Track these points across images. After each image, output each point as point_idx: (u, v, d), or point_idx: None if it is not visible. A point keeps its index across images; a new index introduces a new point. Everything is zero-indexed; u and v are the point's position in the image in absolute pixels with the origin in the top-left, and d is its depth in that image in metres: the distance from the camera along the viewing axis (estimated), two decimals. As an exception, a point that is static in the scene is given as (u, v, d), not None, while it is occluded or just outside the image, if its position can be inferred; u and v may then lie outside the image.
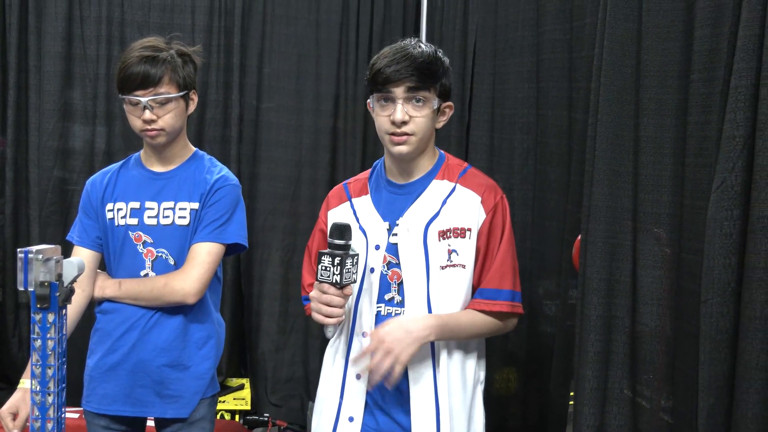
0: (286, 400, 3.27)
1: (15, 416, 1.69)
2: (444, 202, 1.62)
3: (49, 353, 1.25)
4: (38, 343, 1.25)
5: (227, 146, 3.23)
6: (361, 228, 1.65)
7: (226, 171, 1.95)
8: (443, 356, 1.61)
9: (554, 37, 2.08)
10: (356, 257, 1.52)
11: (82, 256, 1.88)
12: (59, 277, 1.25)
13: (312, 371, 3.26)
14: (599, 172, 1.56)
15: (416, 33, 3.36)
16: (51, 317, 1.24)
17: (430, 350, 1.60)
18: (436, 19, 3.00)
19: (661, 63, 1.47)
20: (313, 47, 3.29)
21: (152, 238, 1.87)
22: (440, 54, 1.64)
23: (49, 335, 1.25)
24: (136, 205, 1.89)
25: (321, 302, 1.53)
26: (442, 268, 1.60)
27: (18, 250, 1.22)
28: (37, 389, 1.25)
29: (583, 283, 1.59)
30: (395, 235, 1.62)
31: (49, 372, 1.25)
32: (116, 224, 1.88)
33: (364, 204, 1.69)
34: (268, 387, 3.30)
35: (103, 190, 1.92)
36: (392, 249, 1.62)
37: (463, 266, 1.60)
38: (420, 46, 1.62)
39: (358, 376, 1.63)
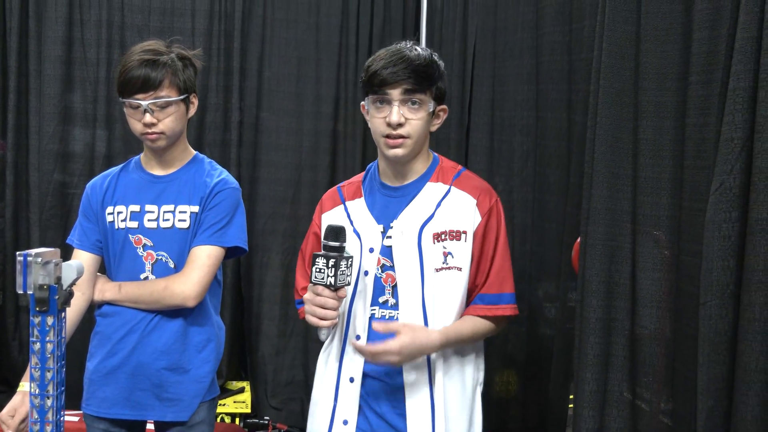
0: (286, 404, 3.26)
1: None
2: (438, 205, 1.62)
3: (48, 356, 1.25)
4: (37, 346, 1.25)
5: (227, 149, 3.24)
6: (355, 231, 1.65)
7: (226, 174, 1.95)
8: (439, 359, 1.61)
9: (553, 39, 2.08)
10: (350, 259, 1.52)
11: (82, 259, 1.88)
12: (58, 280, 1.25)
13: (312, 374, 3.22)
14: (598, 175, 1.56)
15: (416, 35, 3.37)
16: (50, 320, 1.24)
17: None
18: (435, 21, 3.01)
19: (660, 65, 1.47)
20: (313, 50, 3.29)
21: (152, 241, 1.87)
22: (436, 57, 1.65)
23: (48, 338, 1.25)
24: (136, 208, 1.89)
25: (315, 304, 1.53)
26: (437, 270, 1.60)
27: (17, 253, 1.22)
28: (36, 392, 1.25)
29: (583, 286, 1.59)
30: (389, 237, 1.63)
31: (48, 375, 1.25)
32: (116, 227, 1.88)
33: (358, 207, 1.69)
34: (268, 390, 3.29)
35: (103, 193, 1.92)
36: (386, 251, 1.62)
37: (459, 269, 1.60)
38: (416, 49, 1.62)
39: (352, 379, 1.63)
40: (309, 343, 3.31)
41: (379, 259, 1.63)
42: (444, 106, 1.68)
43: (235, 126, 3.23)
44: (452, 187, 1.64)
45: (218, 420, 3.07)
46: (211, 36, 3.21)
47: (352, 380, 1.62)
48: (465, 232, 1.60)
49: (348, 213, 1.69)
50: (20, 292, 1.22)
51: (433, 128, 1.67)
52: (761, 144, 1.16)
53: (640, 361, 1.53)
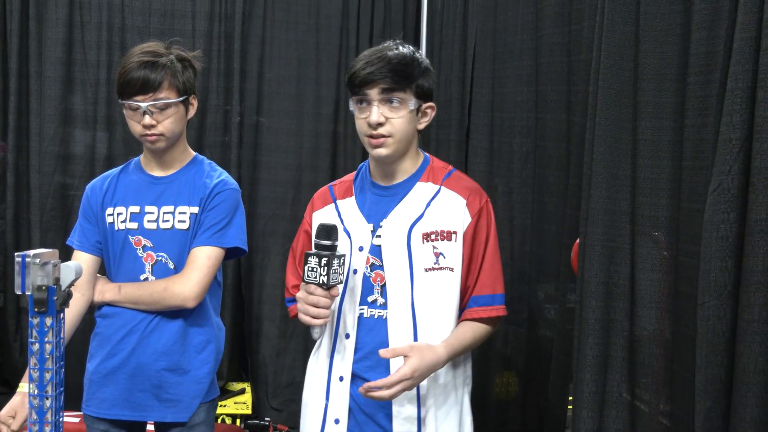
0: (287, 405, 3.26)
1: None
2: (428, 204, 1.62)
3: (46, 357, 1.25)
4: (36, 346, 1.25)
5: (227, 151, 3.24)
6: (345, 230, 1.66)
7: (225, 175, 1.95)
8: None
9: (553, 41, 2.08)
10: (342, 258, 1.52)
11: (82, 260, 1.88)
12: (57, 281, 1.25)
13: (313, 375, 3.26)
14: (597, 176, 1.56)
15: (416, 37, 3.37)
16: (49, 321, 1.24)
17: None
18: (436, 23, 3.01)
19: (659, 66, 1.47)
20: (313, 52, 3.30)
21: (152, 243, 1.87)
22: (418, 55, 1.64)
23: (46, 339, 1.25)
24: (136, 209, 1.89)
25: (308, 303, 1.53)
26: (427, 270, 1.60)
27: (15, 254, 1.22)
28: (35, 393, 1.25)
29: (582, 287, 1.59)
30: (378, 237, 1.63)
31: (47, 376, 1.25)
32: (116, 228, 1.88)
33: (349, 206, 1.69)
34: (269, 391, 3.29)
35: (103, 194, 1.92)
36: (376, 251, 1.63)
37: (451, 269, 1.60)
38: (398, 48, 1.62)
39: (341, 378, 1.63)
40: (309, 344, 3.29)
41: (368, 258, 1.63)
42: (431, 104, 1.66)
43: (235, 127, 3.24)
44: (442, 187, 1.64)
45: (219, 421, 3.07)
46: (211, 38, 3.22)
47: (341, 379, 1.63)
48: (455, 233, 1.60)
49: (339, 212, 1.69)
50: (18, 292, 1.22)
51: (420, 126, 1.66)
52: (760, 144, 1.16)
53: (639, 362, 1.52)
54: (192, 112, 1.91)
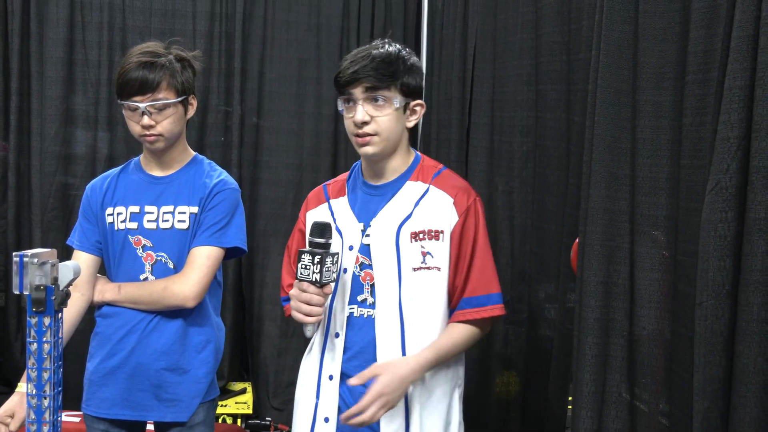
0: (287, 404, 3.26)
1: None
2: (417, 204, 1.62)
3: (45, 357, 1.25)
4: (34, 346, 1.25)
5: (228, 151, 3.24)
6: (337, 228, 1.66)
7: (225, 175, 1.95)
8: None
9: (552, 40, 2.08)
10: (336, 256, 1.53)
11: (82, 260, 1.88)
12: (55, 280, 1.25)
13: (314, 375, 3.26)
14: (596, 175, 1.56)
15: (417, 37, 3.36)
16: (47, 321, 1.25)
17: (401, 353, 1.60)
18: (436, 22, 3.01)
19: (658, 65, 1.46)
20: (314, 51, 3.30)
21: (152, 242, 1.87)
22: (405, 53, 1.63)
23: (45, 339, 1.25)
24: (135, 209, 1.89)
25: (301, 301, 1.53)
26: (414, 270, 1.59)
27: (13, 254, 1.22)
28: (33, 393, 1.25)
29: (581, 286, 1.58)
30: (368, 236, 1.62)
31: (45, 375, 1.26)
32: (116, 228, 1.89)
33: (341, 205, 1.70)
34: (269, 391, 3.30)
35: (102, 194, 1.92)
36: (365, 250, 1.63)
37: (438, 269, 1.59)
38: (383, 46, 1.62)
39: (331, 377, 1.63)
40: (310, 344, 3.31)
41: (357, 257, 1.63)
42: (419, 101, 1.65)
43: (236, 127, 3.24)
44: (431, 186, 1.63)
45: (220, 421, 3.07)
46: (212, 37, 3.22)
47: (331, 378, 1.63)
48: (442, 232, 1.59)
49: (332, 211, 1.70)
50: (16, 292, 1.22)
51: (409, 124, 1.65)
52: (758, 143, 1.16)
53: (638, 361, 1.52)
54: (191, 112, 1.91)
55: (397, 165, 1.66)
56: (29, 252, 1.23)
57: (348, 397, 1.62)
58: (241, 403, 3.16)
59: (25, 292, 1.23)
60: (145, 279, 1.87)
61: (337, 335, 1.63)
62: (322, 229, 1.51)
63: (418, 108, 1.66)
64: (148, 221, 1.88)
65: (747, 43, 1.16)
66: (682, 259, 1.38)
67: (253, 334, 3.32)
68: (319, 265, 1.49)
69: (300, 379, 1.73)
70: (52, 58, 3.09)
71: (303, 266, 1.50)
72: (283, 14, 3.28)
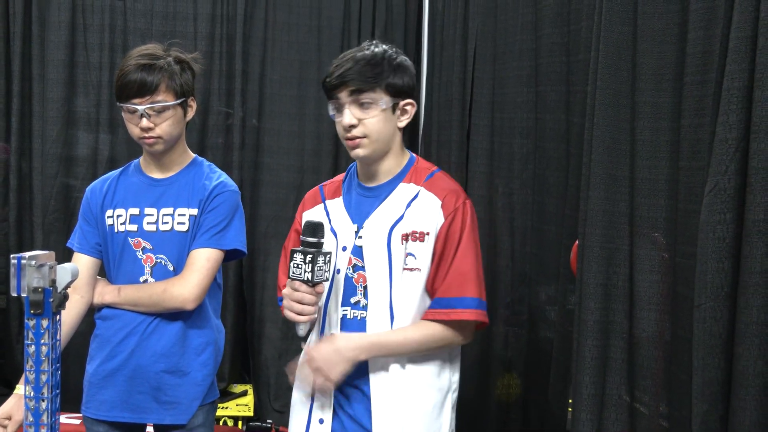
0: (288, 407, 3.25)
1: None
2: (408, 206, 1.61)
3: (42, 359, 1.25)
4: (32, 348, 1.25)
5: (229, 153, 3.24)
6: (332, 229, 1.66)
7: (225, 177, 1.95)
8: (407, 362, 1.59)
9: (552, 41, 2.08)
10: (328, 255, 1.52)
11: (82, 262, 1.88)
12: (53, 282, 1.25)
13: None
14: (595, 176, 1.55)
15: (418, 38, 3.36)
16: (45, 323, 1.25)
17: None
18: (437, 24, 3.01)
19: (657, 66, 1.46)
20: (315, 53, 3.30)
21: (151, 245, 1.87)
22: (392, 52, 1.62)
23: (42, 341, 1.25)
24: (135, 211, 1.89)
25: (293, 300, 1.53)
26: (403, 271, 1.59)
27: (11, 256, 1.22)
28: (31, 395, 1.25)
29: (580, 288, 1.58)
30: (360, 237, 1.62)
31: (43, 378, 1.26)
32: (116, 230, 1.89)
33: (336, 206, 1.70)
34: (271, 393, 3.29)
35: (102, 196, 1.93)
36: (358, 251, 1.62)
37: (419, 270, 1.58)
38: (369, 48, 1.61)
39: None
40: (311, 346, 3.31)
41: (350, 259, 1.62)
42: (409, 101, 1.64)
43: (237, 129, 3.24)
44: (422, 188, 1.63)
45: (221, 423, 3.07)
46: (213, 39, 3.23)
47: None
48: (428, 234, 1.58)
49: (327, 211, 1.70)
50: (14, 295, 1.22)
51: (401, 124, 1.64)
52: (757, 144, 1.15)
53: (638, 364, 1.51)
54: (191, 114, 1.91)
55: (391, 166, 1.65)
56: (27, 254, 1.23)
57: (343, 399, 1.62)
58: (242, 405, 3.16)
59: (23, 295, 1.23)
60: (145, 281, 1.87)
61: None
62: (314, 229, 1.51)
63: (408, 107, 1.64)
64: (148, 223, 1.88)
65: (745, 43, 1.16)
66: (681, 261, 1.38)
67: (254, 336, 3.32)
68: (310, 264, 1.49)
69: (296, 380, 1.73)
70: (54, 60, 3.10)
71: (295, 265, 1.51)
72: (284, 16, 3.28)
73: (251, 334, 3.32)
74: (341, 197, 1.70)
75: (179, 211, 1.88)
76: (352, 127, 1.58)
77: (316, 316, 1.57)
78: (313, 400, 1.65)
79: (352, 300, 1.63)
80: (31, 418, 1.25)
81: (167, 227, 1.87)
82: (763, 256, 1.16)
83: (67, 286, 1.27)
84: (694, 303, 1.24)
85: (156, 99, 1.79)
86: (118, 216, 1.90)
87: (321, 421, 1.63)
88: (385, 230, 1.60)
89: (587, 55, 1.69)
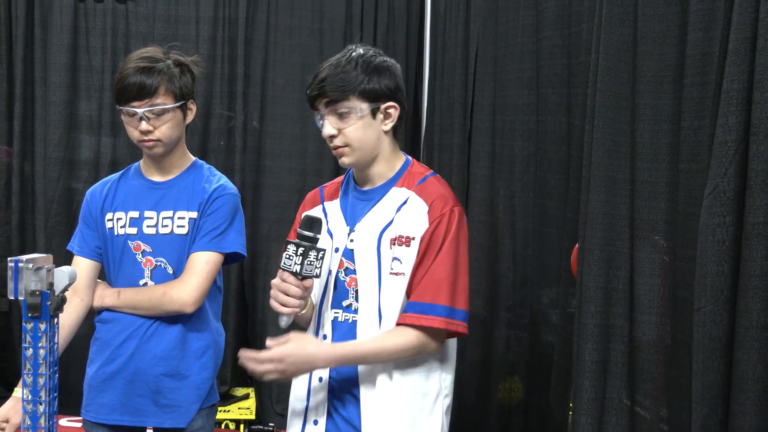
0: (290, 410, 3.26)
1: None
2: (398, 210, 1.60)
3: (40, 362, 1.25)
4: (30, 352, 1.25)
5: (231, 156, 3.24)
6: (329, 230, 1.65)
7: (224, 180, 1.95)
8: (393, 366, 1.58)
9: (553, 43, 2.07)
10: (321, 252, 1.51)
11: (82, 265, 1.88)
12: (50, 286, 1.25)
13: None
14: (596, 179, 1.54)
15: (420, 41, 3.36)
16: (42, 326, 1.24)
17: None
18: (438, 27, 3.00)
19: (657, 68, 1.45)
20: (317, 56, 3.30)
21: (151, 248, 1.87)
22: (369, 56, 1.59)
23: (40, 344, 1.25)
24: (135, 214, 1.89)
25: (279, 289, 1.53)
26: (390, 275, 1.58)
27: (9, 259, 1.22)
28: (29, 398, 1.25)
29: (580, 292, 1.57)
30: (352, 241, 1.62)
31: (41, 381, 1.25)
32: (115, 234, 1.89)
33: (334, 207, 1.69)
34: (272, 396, 3.29)
35: (102, 200, 1.92)
36: (349, 254, 1.62)
37: (403, 274, 1.56)
38: (347, 54, 1.59)
39: (321, 379, 1.63)
40: (313, 350, 3.30)
41: (342, 262, 1.62)
42: (392, 103, 1.60)
43: (239, 132, 3.24)
44: (412, 193, 1.61)
45: (222, 426, 3.07)
46: (215, 43, 3.23)
47: (321, 380, 1.63)
48: (414, 239, 1.56)
49: (325, 212, 1.70)
50: (11, 298, 1.22)
51: (386, 128, 1.61)
52: (757, 146, 1.14)
53: (639, 367, 1.50)
54: (190, 117, 1.91)
55: (383, 170, 1.64)
56: (24, 257, 1.22)
57: (336, 401, 1.61)
58: (244, 409, 3.16)
59: (20, 298, 1.22)
60: (145, 284, 1.87)
61: (324, 337, 1.63)
62: (311, 223, 1.51)
63: (391, 110, 1.61)
64: (148, 226, 1.88)
65: (745, 45, 1.15)
66: (681, 264, 1.37)
67: (256, 339, 3.31)
68: (301, 257, 1.49)
69: (293, 384, 1.72)
70: (56, 63, 3.11)
71: (287, 256, 1.51)
72: (285, 19, 3.29)
73: (253, 337, 3.32)
74: (339, 199, 1.70)
75: (179, 214, 1.88)
76: (333, 137, 1.58)
77: (299, 310, 1.57)
78: (308, 400, 1.64)
79: (344, 303, 1.62)
80: (28, 422, 1.25)
81: (167, 230, 1.87)
82: (762, 259, 1.15)
83: (65, 289, 1.27)
84: (693, 306, 1.23)
85: (155, 102, 1.79)
86: (118, 219, 1.89)
87: (315, 422, 1.63)
88: (375, 234, 1.60)
89: (588, 58, 1.68)
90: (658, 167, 1.45)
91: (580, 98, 1.83)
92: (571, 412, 1.75)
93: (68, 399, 2.42)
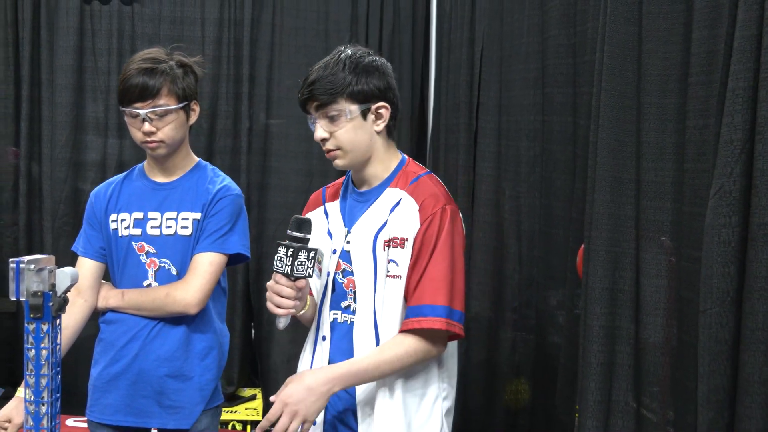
0: (296, 411, 3.25)
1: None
2: (391, 211, 1.59)
3: (42, 363, 1.25)
4: (32, 352, 1.25)
5: (237, 156, 3.25)
6: (329, 231, 1.65)
7: (228, 181, 1.94)
8: (393, 375, 1.56)
9: (558, 43, 2.06)
10: (313, 252, 1.50)
11: (86, 266, 1.88)
12: (52, 286, 1.25)
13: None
14: (601, 179, 1.53)
15: (426, 42, 3.35)
16: (44, 327, 1.24)
17: None
18: (444, 27, 3.00)
19: (662, 66, 1.44)
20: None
21: (155, 249, 1.87)
22: (357, 56, 1.56)
23: (42, 345, 1.24)
24: (139, 215, 1.89)
25: (273, 291, 1.52)
26: (386, 277, 1.56)
27: (10, 260, 1.22)
28: (31, 399, 1.25)
29: (586, 293, 1.55)
30: (348, 242, 1.61)
31: (43, 382, 1.25)
32: (120, 235, 1.89)
33: (334, 209, 1.69)
34: (278, 397, 3.28)
35: (106, 201, 1.93)
36: (346, 256, 1.61)
37: (400, 277, 1.55)
38: (336, 55, 1.58)
39: None
40: (319, 351, 3.30)
41: (339, 264, 1.61)
42: (382, 103, 1.57)
43: (245, 133, 3.24)
44: (405, 193, 1.60)
45: (229, 427, 3.07)
46: (220, 44, 3.23)
47: None
48: (407, 240, 1.55)
49: (326, 213, 1.69)
50: (13, 299, 1.22)
51: (378, 128, 1.59)
52: (762, 145, 1.13)
53: (645, 369, 1.49)
54: (194, 118, 1.90)
55: (378, 171, 1.63)
56: (26, 258, 1.22)
57: (332, 399, 1.60)
58: (250, 409, 3.16)
59: (22, 299, 1.22)
60: (149, 285, 1.87)
61: (323, 338, 1.63)
62: (300, 224, 1.50)
63: (382, 111, 1.58)
64: (152, 227, 1.88)
65: (750, 42, 1.13)
66: (687, 265, 1.36)
67: (263, 340, 3.31)
68: (291, 258, 1.48)
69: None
70: (63, 65, 3.12)
71: (278, 258, 1.50)
72: (291, 20, 3.28)
73: (259, 338, 3.32)
74: (339, 200, 1.70)
75: (183, 215, 1.88)
76: (325, 140, 1.57)
77: (295, 311, 1.56)
78: None
79: (343, 304, 1.62)
80: (31, 422, 1.25)
81: (171, 231, 1.87)
82: (769, 260, 1.14)
83: (67, 290, 1.27)
84: (699, 308, 1.21)
85: (158, 103, 1.79)
86: (122, 220, 1.90)
87: (314, 423, 1.63)
88: (370, 236, 1.59)
89: (594, 57, 1.67)
90: (664, 167, 1.44)
91: (585, 98, 1.82)
92: (577, 415, 1.73)
93: (74, 399, 2.43)
